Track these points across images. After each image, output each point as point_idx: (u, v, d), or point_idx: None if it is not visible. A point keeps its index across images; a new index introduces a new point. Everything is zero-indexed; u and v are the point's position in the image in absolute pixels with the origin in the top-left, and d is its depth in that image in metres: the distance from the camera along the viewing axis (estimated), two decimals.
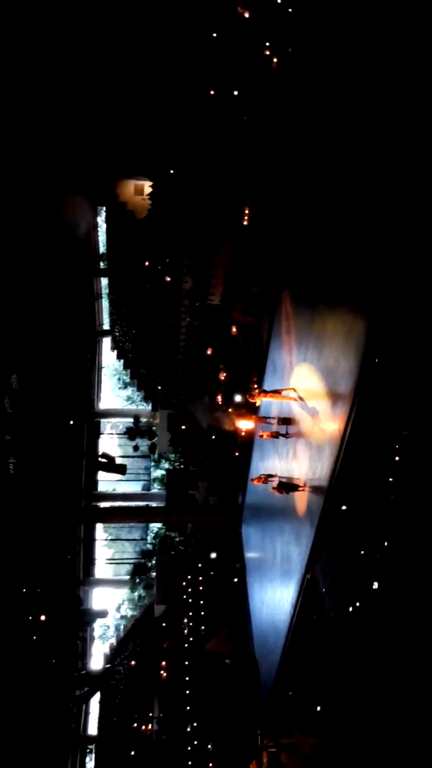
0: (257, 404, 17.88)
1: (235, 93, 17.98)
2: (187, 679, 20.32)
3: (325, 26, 13.10)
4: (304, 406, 13.46)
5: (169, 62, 19.56)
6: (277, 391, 14.68)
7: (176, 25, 18.71)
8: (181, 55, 19.19)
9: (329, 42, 12.70)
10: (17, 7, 16.97)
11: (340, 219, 11.74)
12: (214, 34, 17.69)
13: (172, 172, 21.07)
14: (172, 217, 21.74)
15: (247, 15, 16.61)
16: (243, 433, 21.04)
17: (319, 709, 12.76)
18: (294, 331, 15.18)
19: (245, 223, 19.59)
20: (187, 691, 20.04)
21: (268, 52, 16.33)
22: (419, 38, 8.89)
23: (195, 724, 19.20)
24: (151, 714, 21.39)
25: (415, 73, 8.90)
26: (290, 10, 15.30)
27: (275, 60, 16.26)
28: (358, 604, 10.53)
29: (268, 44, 16.27)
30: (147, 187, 22.93)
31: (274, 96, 16.63)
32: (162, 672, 21.24)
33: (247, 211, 19.49)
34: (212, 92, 18.42)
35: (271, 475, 14.86)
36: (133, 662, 23.47)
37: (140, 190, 24.32)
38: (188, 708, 19.69)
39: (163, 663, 21.38)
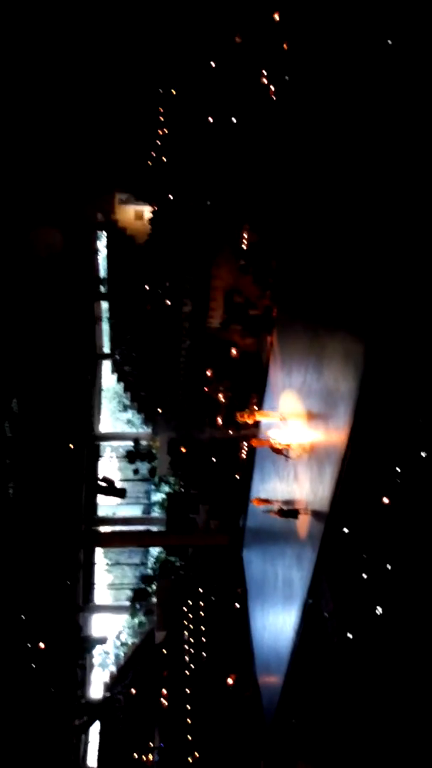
0: (250, 423, 17.97)
1: (234, 120, 18.30)
2: (189, 707, 19.97)
3: (320, 56, 13.37)
4: (305, 427, 13.44)
5: (168, 89, 19.94)
6: (267, 412, 14.80)
7: (176, 53, 19.11)
8: (180, 83, 19.58)
9: (325, 71, 12.96)
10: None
11: (337, 241, 11.86)
12: (213, 63, 18.07)
13: (171, 197, 21.34)
14: (172, 242, 21.96)
15: (244, 44, 16.99)
16: (244, 455, 21.01)
17: (323, 737, 12.51)
18: (292, 353, 15.23)
19: (244, 246, 19.78)
20: (189, 720, 19.68)
21: (265, 81, 16.65)
22: (414, 67, 9.07)
23: (197, 755, 18.82)
24: (151, 744, 20.97)
25: (411, 100, 9.06)
26: (285, 46, 15.66)
27: (272, 88, 16.57)
28: (361, 629, 10.39)
29: (265, 73, 16.60)
30: (147, 212, 23.22)
31: (271, 123, 16.92)
32: (163, 700, 20.89)
33: (245, 235, 19.70)
34: (211, 119, 18.75)
35: (269, 501, 14.80)
36: (133, 690, 23.10)
37: (140, 215, 24.64)
38: (190, 737, 19.33)
39: (164, 691, 21.03)
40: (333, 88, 12.35)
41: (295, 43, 15.27)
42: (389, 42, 9.49)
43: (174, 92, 19.90)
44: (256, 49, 16.71)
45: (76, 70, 19.95)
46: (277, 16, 15.50)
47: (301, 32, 14.79)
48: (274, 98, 16.47)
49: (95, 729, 24.37)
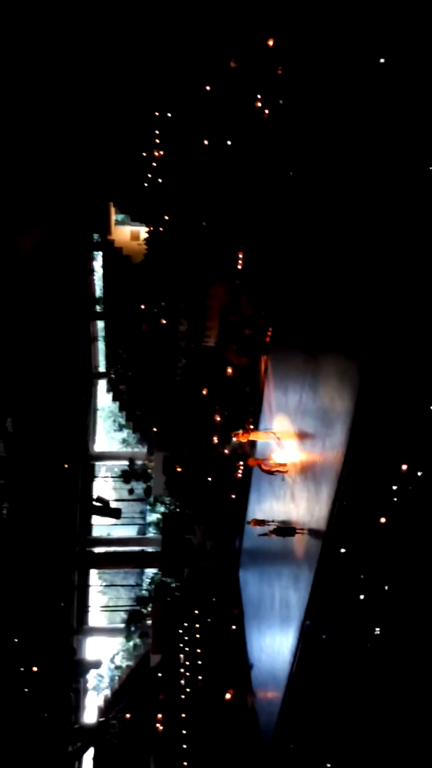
0: (244, 442, 18.03)
1: (229, 143, 18.57)
2: (185, 732, 19.63)
3: (314, 80, 13.60)
4: (300, 447, 13.41)
5: (164, 112, 20.22)
6: (261, 431, 14.81)
7: (172, 76, 19.42)
8: (176, 106, 19.88)
9: (319, 95, 13.17)
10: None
11: (332, 260, 11.95)
12: (208, 87, 18.37)
13: (167, 218, 21.54)
14: (168, 262, 22.11)
15: (238, 69, 17.30)
16: (240, 474, 20.93)
17: (321, 761, 12.30)
18: (288, 373, 15.26)
19: (239, 266, 19.94)
20: (185, 746, 19.34)
21: (259, 104, 16.92)
22: (408, 89, 9.23)
23: None
24: None
25: (406, 123, 9.20)
26: (279, 70, 15.96)
27: (267, 111, 16.84)
28: (359, 650, 10.28)
29: (259, 96, 16.88)
30: (143, 232, 23.42)
31: (266, 145, 17.17)
32: (158, 725, 20.52)
33: (240, 256, 19.86)
34: (206, 142, 19.02)
35: (266, 521, 14.72)
36: (128, 715, 22.69)
37: (136, 235, 24.83)
38: (186, 764, 18.97)
39: (160, 716, 20.67)
40: (327, 112, 12.54)
41: (289, 67, 15.55)
42: (382, 61, 9.64)
43: (170, 115, 20.19)
44: (250, 73, 17.01)
45: (73, 91, 20.23)
46: (271, 42, 15.81)
47: (295, 57, 15.06)
48: (269, 121, 16.73)
49: (89, 755, 23.88)
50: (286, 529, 13.25)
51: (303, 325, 14.37)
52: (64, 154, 21.27)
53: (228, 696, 18.77)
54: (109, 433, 32.14)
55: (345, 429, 10.19)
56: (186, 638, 21.84)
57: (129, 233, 25.20)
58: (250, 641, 19.50)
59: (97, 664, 27.00)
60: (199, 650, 21.35)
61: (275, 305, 17.92)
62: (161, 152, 20.74)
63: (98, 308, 27.64)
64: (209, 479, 23.05)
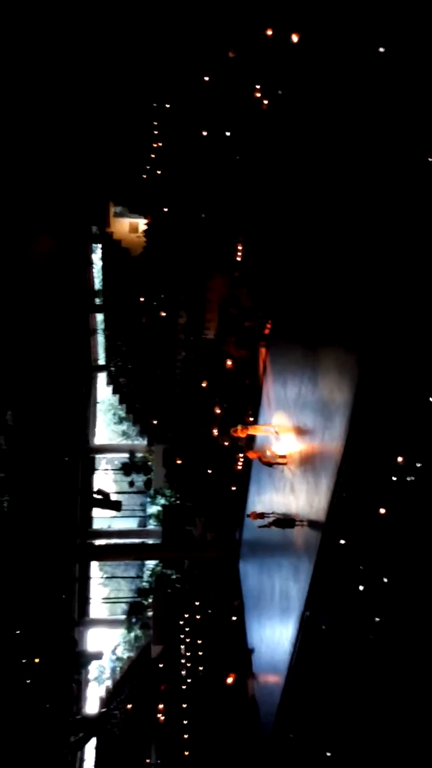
0: (242, 437, 18.05)
1: (228, 133, 18.49)
2: (186, 722, 19.76)
3: (313, 70, 13.52)
4: (299, 439, 13.43)
5: (162, 103, 20.12)
6: (259, 425, 14.80)
7: (170, 67, 19.31)
8: (175, 97, 19.77)
9: (318, 86, 13.09)
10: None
11: (331, 252, 11.93)
12: (206, 78, 18.26)
13: (166, 210, 21.47)
14: (167, 254, 22.06)
15: (237, 59, 17.19)
16: (240, 466, 20.97)
17: (321, 751, 12.40)
18: (287, 365, 15.26)
19: (238, 258, 19.89)
20: (186, 736, 19.48)
21: (258, 95, 16.82)
22: (409, 78, 9.18)
23: None
24: (148, 760, 20.72)
25: (406, 112, 9.15)
26: (279, 55, 15.83)
27: (266, 102, 16.75)
28: (359, 641, 10.34)
29: (258, 87, 16.78)
30: (142, 225, 23.35)
31: (265, 136, 17.09)
32: (159, 716, 20.67)
33: (240, 248, 19.81)
34: (205, 133, 18.93)
35: (264, 514, 14.76)
36: (129, 706, 22.84)
37: (135, 228, 24.75)
38: (187, 753, 19.11)
39: (161, 706, 20.82)
40: (327, 102, 12.47)
41: (287, 57, 15.44)
42: (381, 50, 9.58)
43: (168, 106, 20.08)
44: (249, 63, 16.90)
45: (72, 84, 20.12)
46: (270, 32, 15.69)
47: (294, 47, 14.95)
48: (268, 112, 16.64)
49: (91, 745, 24.07)
50: (285, 520, 13.30)
51: (302, 318, 14.35)
52: (63, 147, 21.18)
53: (230, 680, 18.89)
54: (109, 426, 32.20)
55: (344, 421, 10.20)
56: (187, 629, 21.95)
57: (128, 225, 25.12)
58: (250, 632, 19.60)
59: (98, 656, 27.16)
60: (199, 641, 21.47)
61: (275, 297, 17.88)
62: (160, 143, 20.65)
63: (97, 301, 27.61)
64: (209, 471, 23.09)
